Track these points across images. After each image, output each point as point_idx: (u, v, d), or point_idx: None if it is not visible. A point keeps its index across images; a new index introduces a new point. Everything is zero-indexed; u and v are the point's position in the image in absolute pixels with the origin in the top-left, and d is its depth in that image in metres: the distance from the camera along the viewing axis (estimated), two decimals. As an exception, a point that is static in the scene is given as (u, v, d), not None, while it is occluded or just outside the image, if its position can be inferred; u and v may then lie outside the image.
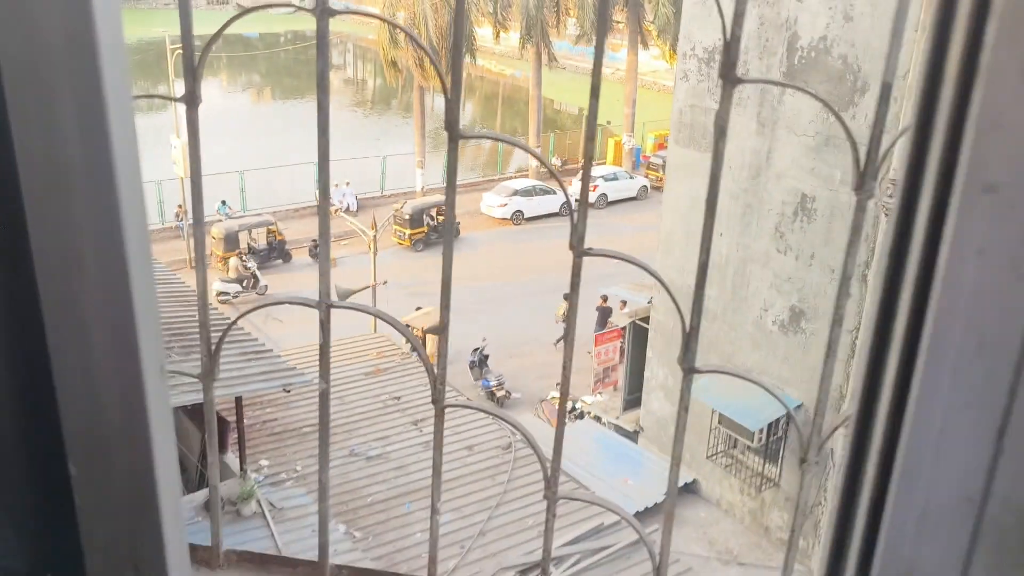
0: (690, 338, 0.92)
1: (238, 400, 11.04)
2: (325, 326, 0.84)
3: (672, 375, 14.92)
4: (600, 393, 18.89)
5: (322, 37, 0.80)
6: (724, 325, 13.78)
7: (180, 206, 27.94)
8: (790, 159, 12.38)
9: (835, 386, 12.40)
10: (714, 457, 13.75)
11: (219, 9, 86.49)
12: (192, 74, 0.79)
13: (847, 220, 11.72)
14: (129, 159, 0.65)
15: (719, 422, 13.43)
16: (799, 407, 12.67)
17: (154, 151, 34.45)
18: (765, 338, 13.10)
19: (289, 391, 12.38)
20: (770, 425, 12.68)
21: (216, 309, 14.62)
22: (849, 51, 11.42)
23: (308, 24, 79.51)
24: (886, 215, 11.12)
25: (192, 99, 0.80)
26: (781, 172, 12.54)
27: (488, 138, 0.85)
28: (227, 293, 24.43)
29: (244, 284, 24.97)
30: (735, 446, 13.64)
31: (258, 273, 25.28)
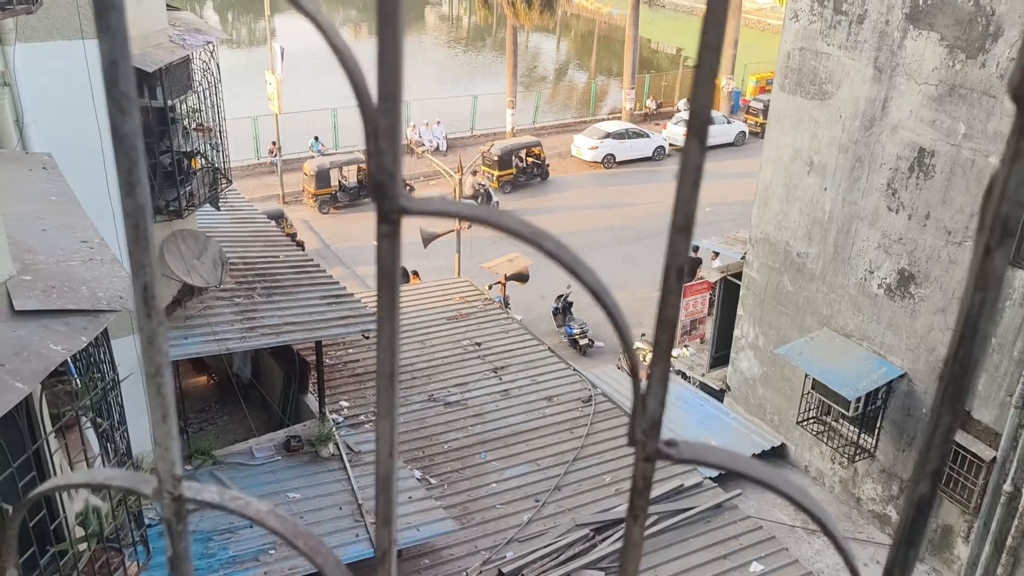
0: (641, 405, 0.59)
1: (318, 344, 11.03)
2: (171, 526, 0.48)
3: (763, 335, 14.24)
4: (686, 346, 18.33)
5: None
6: (824, 286, 12.98)
7: (274, 143, 28.22)
8: (908, 109, 11.36)
9: (943, 356, 11.54)
10: (804, 423, 13.12)
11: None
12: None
13: (969, 178, 10.71)
14: None
15: (812, 387, 12.75)
16: (902, 376, 11.89)
17: (250, 87, 34.91)
18: (869, 301, 12.27)
19: (368, 337, 12.33)
20: (868, 393, 11.95)
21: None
22: (984, -11, 10.27)
23: (404, -42, 78.48)
24: None
25: None
26: (897, 123, 11.53)
27: (432, 214, 0.40)
28: None
29: (479, 200, 26.09)
30: (828, 413, 12.96)
31: (491, 190, 27.04)
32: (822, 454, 13.51)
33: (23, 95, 8.67)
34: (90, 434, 5.81)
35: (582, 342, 19.48)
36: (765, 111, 28.91)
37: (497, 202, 26.68)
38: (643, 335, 19.48)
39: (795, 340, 12.98)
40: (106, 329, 5.17)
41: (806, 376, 12.76)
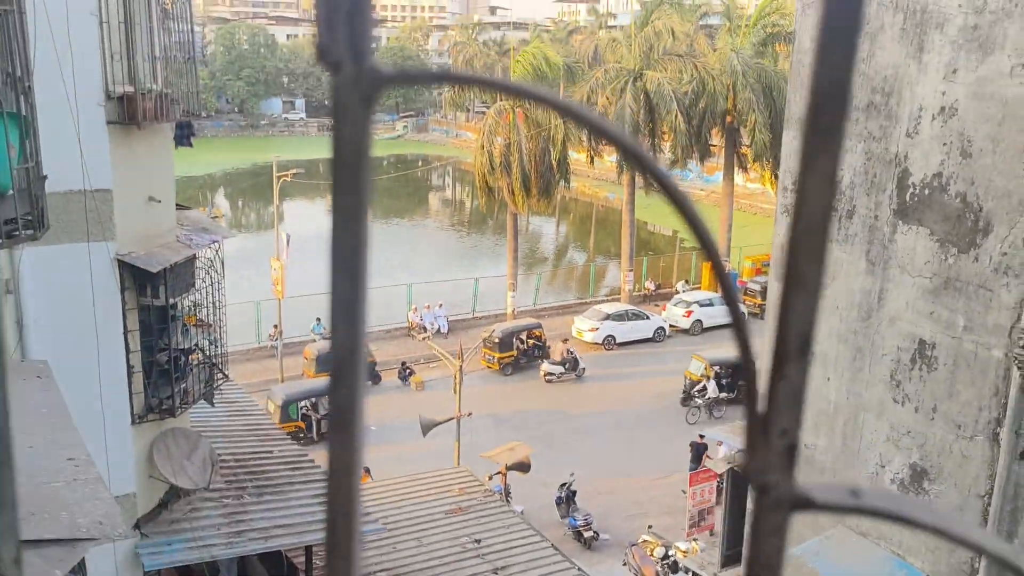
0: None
1: (308, 549, 10.51)
2: None
3: (776, 531, 13.63)
4: (695, 539, 17.53)
5: None
6: (835, 479, 12.54)
7: (275, 326, 28.46)
8: (904, 301, 11.44)
9: (964, 559, 10.96)
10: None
11: (327, 135, 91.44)
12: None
13: (974, 371, 10.60)
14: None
15: (830, 591, 12.01)
16: (922, 579, 11.21)
17: (256, 271, 35.73)
18: (882, 497, 11.81)
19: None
20: (891, 598, 11.23)
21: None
22: (968, 189, 10.61)
23: (410, 149, 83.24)
24: (1019, 368, 10.00)
25: None
26: (895, 315, 11.58)
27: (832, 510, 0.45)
28: (552, 374, 27.80)
29: (566, 367, 27.80)
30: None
31: (579, 357, 28.19)
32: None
33: (26, 297, 8.75)
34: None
35: (587, 534, 18.67)
36: (763, 292, 29.37)
37: (584, 368, 28.12)
38: (650, 527, 18.71)
39: (810, 539, 12.38)
40: (84, 559, 4.87)
41: (823, 577, 12.06)
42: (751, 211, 50.31)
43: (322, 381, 25.60)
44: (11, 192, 4.55)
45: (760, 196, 49.71)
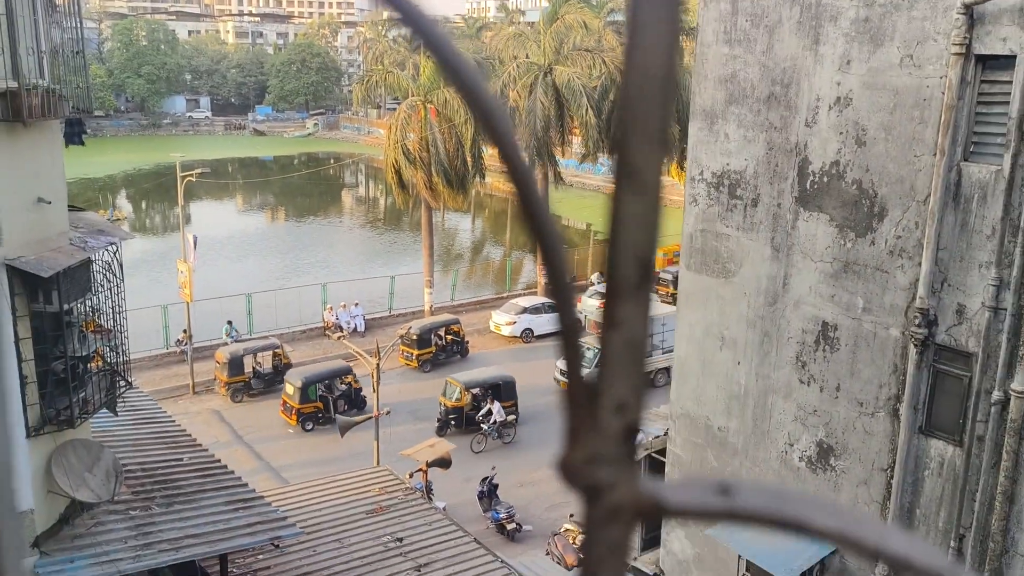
0: None
1: (223, 558, 10.18)
2: None
3: (693, 513, 13.93)
4: (616, 527, 17.79)
5: None
6: (747, 460, 12.91)
7: (184, 331, 27.53)
8: (808, 285, 11.83)
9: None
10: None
11: (235, 134, 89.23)
12: None
13: (873, 350, 11.04)
14: None
15: (747, 569, 12.36)
16: (834, 553, 11.64)
17: (162, 274, 34.49)
18: (792, 475, 12.20)
19: (278, 546, 11.50)
20: (803, 573, 11.61)
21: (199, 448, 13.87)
22: (864, 176, 11.04)
23: (321, 147, 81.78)
24: (915, 346, 10.46)
25: None
26: (799, 299, 11.96)
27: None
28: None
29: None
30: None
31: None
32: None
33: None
34: None
35: (510, 527, 18.71)
36: (674, 282, 30.01)
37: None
38: (571, 515, 18.88)
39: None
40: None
41: (739, 557, 12.39)
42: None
43: (338, 364, 25.63)
44: None
45: (670, 189, 50.78)
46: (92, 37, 78.97)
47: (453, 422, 23.58)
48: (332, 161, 72.26)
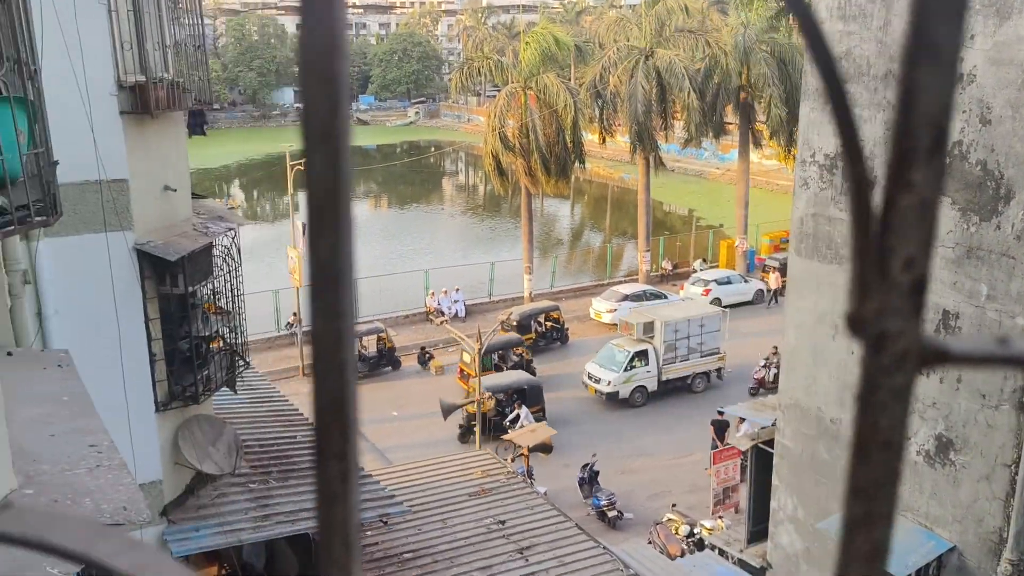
0: None
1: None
2: None
3: (802, 507, 13.56)
4: (720, 516, 17.50)
5: None
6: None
7: (294, 314, 28.58)
8: (928, 271, 11.28)
9: (992, 528, 10.85)
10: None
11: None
12: None
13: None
14: None
15: None
16: (951, 550, 11.13)
17: (273, 260, 35.86)
18: (909, 470, 11.70)
19: (386, 522, 11.84)
20: (918, 570, 11.15)
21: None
22: (988, 156, 10.43)
23: (422, 135, 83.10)
24: (1047, 335, 9.83)
25: None
26: (918, 285, 11.43)
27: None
28: None
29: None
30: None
31: None
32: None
33: (45, 288, 8.79)
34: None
35: (610, 514, 18.67)
36: (782, 269, 29.15)
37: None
38: (674, 505, 18.69)
39: (837, 512, 12.31)
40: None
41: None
42: (768, 188, 49.88)
43: (511, 335, 26.61)
44: (21, 178, 4.53)
45: (776, 173, 49.27)
46: (208, 33, 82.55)
47: (487, 425, 22.26)
48: (433, 149, 73.40)
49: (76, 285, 9.04)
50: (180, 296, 10.20)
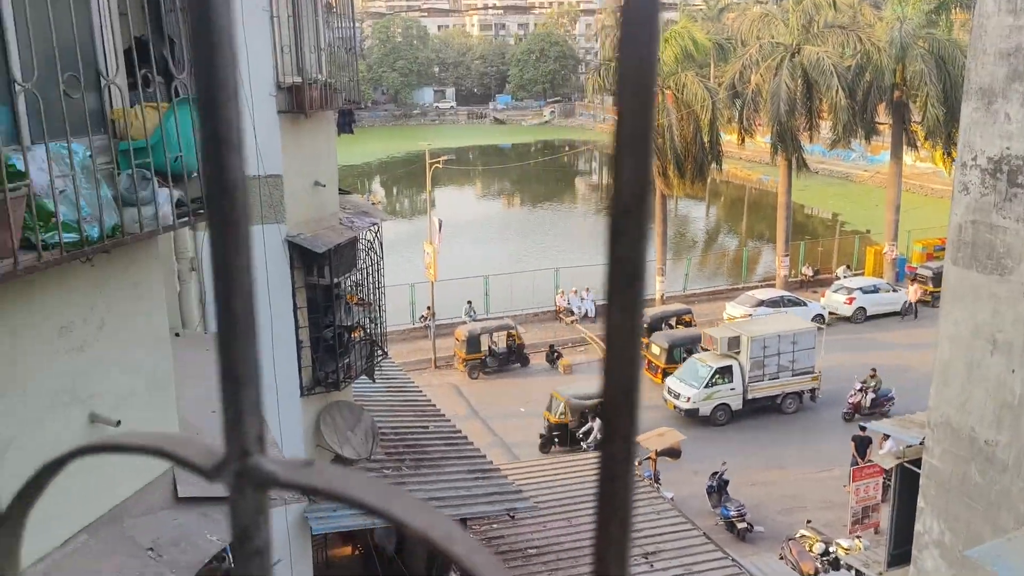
0: None
1: (463, 521, 10.77)
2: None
3: (950, 532, 12.73)
4: (858, 536, 16.69)
5: None
6: (1019, 479, 11.57)
7: (428, 308, 29.35)
8: (1107, 286, 10.35)
9: None
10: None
11: (477, 123, 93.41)
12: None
13: None
14: None
15: (1013, 598, 11.09)
16: None
17: (409, 255, 36.96)
18: (1075, 500, 10.78)
19: (513, 516, 11.97)
20: (1085, 610, 10.23)
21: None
22: None
23: (556, 134, 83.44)
24: None
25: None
26: (1095, 301, 10.51)
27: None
28: None
29: None
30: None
31: None
32: None
33: (208, 275, 9.41)
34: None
35: (740, 525, 18.15)
36: (935, 279, 27.47)
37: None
38: (808, 521, 17.96)
39: (989, 540, 11.48)
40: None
41: (1005, 583, 11.14)
42: (921, 192, 47.09)
43: (695, 331, 26.02)
44: (196, 173, 4.86)
45: (930, 176, 46.45)
46: (356, 34, 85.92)
47: (557, 439, 22.10)
48: (567, 148, 73.54)
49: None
50: (326, 287, 10.67)
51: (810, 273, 35.54)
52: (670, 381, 24.10)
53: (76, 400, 4.01)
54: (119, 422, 4.02)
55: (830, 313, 30.54)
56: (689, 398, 23.20)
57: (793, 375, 23.96)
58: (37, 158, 3.54)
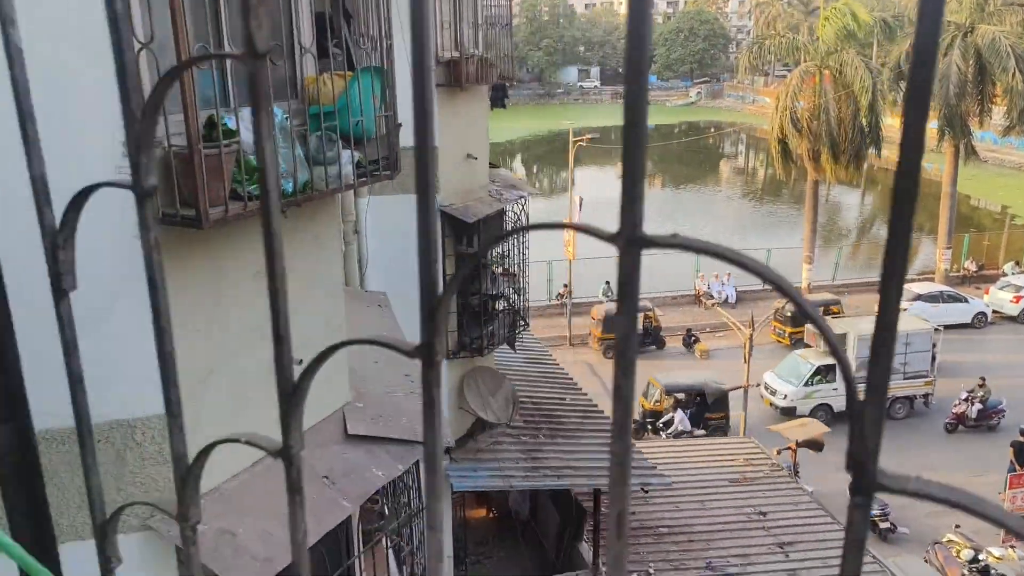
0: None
1: (596, 491, 10.96)
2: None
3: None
4: (1012, 546, 15.70)
5: (626, 274, 0.42)
6: None
7: (565, 286, 29.59)
8: None
9: None
10: None
11: (620, 103, 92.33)
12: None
13: None
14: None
15: None
16: None
17: (550, 233, 37.22)
18: None
19: (647, 491, 12.04)
20: None
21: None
22: None
23: (702, 115, 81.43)
24: None
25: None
26: None
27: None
28: None
29: None
30: None
31: None
32: None
33: (368, 238, 9.95)
34: (391, 554, 6.14)
35: (882, 525, 17.45)
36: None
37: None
38: (957, 526, 17.06)
39: None
40: (418, 460, 5.52)
41: None
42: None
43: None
44: (374, 136, 5.21)
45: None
46: (503, 14, 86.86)
47: (650, 427, 21.32)
48: (712, 130, 71.71)
49: (392, 238, 10.13)
50: (473, 256, 11.04)
51: (973, 268, 33.30)
52: (767, 377, 23.08)
53: (265, 339, 4.42)
54: (300, 361, 4.39)
55: (994, 311, 28.57)
56: (786, 395, 22.16)
57: (905, 378, 22.59)
58: (245, 119, 3.93)
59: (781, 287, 0.50)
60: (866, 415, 0.50)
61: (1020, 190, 47.48)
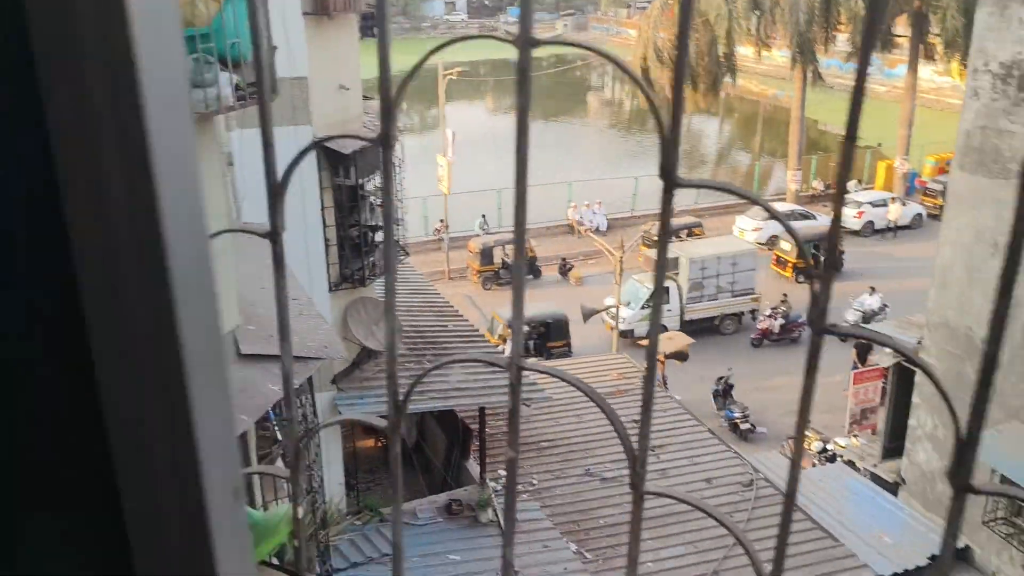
0: (965, 450, 0.57)
1: (481, 410, 11.46)
2: (515, 389, 0.69)
3: (942, 426, 13.42)
4: (855, 435, 17.45)
5: (523, 71, 0.67)
6: (1012, 375, 12.14)
7: (442, 221, 29.75)
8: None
9: None
10: (992, 523, 12.13)
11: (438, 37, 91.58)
12: (388, 114, 0.66)
13: None
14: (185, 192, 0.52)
15: (1001, 483, 11.83)
16: (1105, 477, 10.83)
17: (421, 169, 37.12)
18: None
19: (529, 406, 12.66)
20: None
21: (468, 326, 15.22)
22: None
23: (569, 50, 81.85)
24: None
25: (387, 140, 0.69)
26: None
27: (706, 187, 0.69)
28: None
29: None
30: (1019, 514, 11.95)
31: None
32: (1012, 559, 12.40)
33: (239, 175, 9.83)
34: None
35: (743, 426, 18.95)
36: (944, 192, 27.64)
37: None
38: (808, 422, 18.72)
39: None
40: (310, 380, 5.75)
41: (992, 471, 11.86)
42: (937, 107, 46.59)
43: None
44: (250, 60, 5.26)
45: (948, 91, 45.88)
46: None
47: None
48: (579, 63, 72.43)
49: (261, 174, 10.04)
50: (351, 187, 11.10)
51: (821, 187, 35.64)
52: (608, 302, 23.48)
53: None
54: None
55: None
56: (624, 318, 22.59)
57: (733, 296, 24.02)
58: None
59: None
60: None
61: (862, 113, 50.65)
